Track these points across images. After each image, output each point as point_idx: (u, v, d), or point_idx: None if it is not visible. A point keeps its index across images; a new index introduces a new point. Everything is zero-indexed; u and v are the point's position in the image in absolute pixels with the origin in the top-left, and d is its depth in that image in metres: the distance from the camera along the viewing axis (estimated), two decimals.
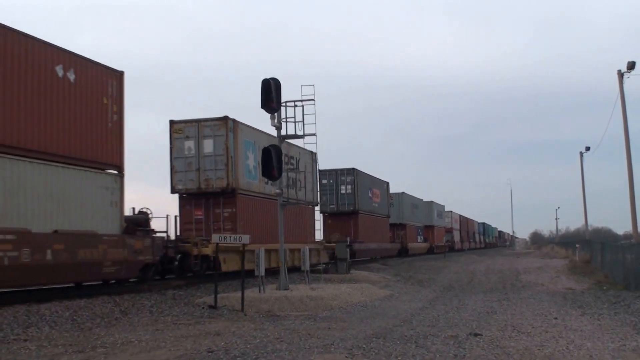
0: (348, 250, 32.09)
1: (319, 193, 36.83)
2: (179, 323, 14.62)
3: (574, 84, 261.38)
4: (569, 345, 11.27)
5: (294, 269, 26.09)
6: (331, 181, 41.48)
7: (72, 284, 18.16)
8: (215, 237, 18.18)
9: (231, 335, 12.63)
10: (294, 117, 20.92)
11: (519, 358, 10.15)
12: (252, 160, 26.97)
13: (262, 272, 19.24)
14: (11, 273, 14.78)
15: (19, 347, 11.15)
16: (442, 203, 77.32)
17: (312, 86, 21.08)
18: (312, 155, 34.12)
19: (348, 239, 31.14)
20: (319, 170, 36.79)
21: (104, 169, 18.98)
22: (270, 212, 27.11)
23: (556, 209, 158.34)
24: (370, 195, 45.13)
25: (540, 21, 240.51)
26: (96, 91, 18.65)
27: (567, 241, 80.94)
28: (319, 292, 19.84)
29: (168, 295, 19.15)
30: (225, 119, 25.48)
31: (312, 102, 20.98)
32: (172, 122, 25.56)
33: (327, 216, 41.29)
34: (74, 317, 14.46)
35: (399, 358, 10.09)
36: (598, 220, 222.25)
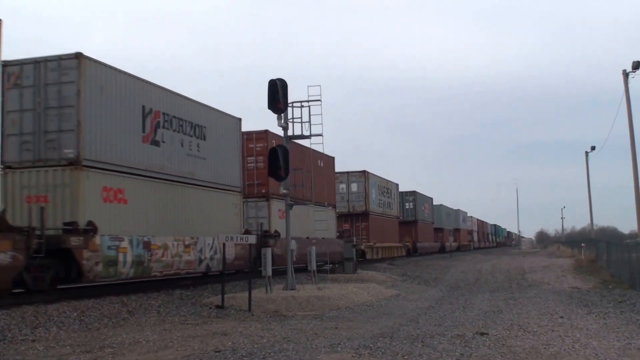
0: (354, 250, 32.18)
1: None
2: (186, 323, 14.67)
3: (581, 85, 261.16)
4: (575, 343, 11.28)
5: (303, 269, 26.34)
6: (399, 200, 56.00)
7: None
8: (221, 237, 18.25)
9: (238, 335, 12.67)
10: (301, 118, 20.99)
11: (525, 357, 10.17)
12: (374, 194, 45.23)
13: (269, 273, 19.30)
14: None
15: (27, 348, 11.20)
16: (447, 201, 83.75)
17: (319, 87, 21.30)
18: (397, 186, 53.67)
19: (354, 239, 33.66)
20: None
21: (329, 207, 34.17)
22: (384, 224, 47.94)
23: (562, 209, 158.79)
24: (423, 208, 62.29)
25: (549, 24, 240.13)
26: (328, 169, 35.33)
27: (573, 240, 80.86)
28: (326, 292, 19.88)
29: (175, 295, 19.17)
30: (364, 172, 44.03)
31: (319, 102, 21.02)
32: None
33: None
34: (82, 318, 14.46)
35: (406, 357, 10.12)
36: (603, 219, 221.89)
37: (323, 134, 21.20)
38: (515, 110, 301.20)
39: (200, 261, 21.46)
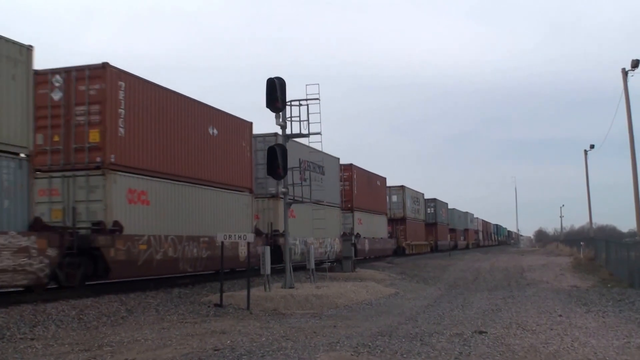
0: (353, 248, 32.19)
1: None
2: (185, 321, 14.66)
3: (579, 83, 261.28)
4: (574, 342, 11.29)
5: (303, 267, 26.43)
6: (424, 206, 66.82)
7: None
8: (219, 236, 18.24)
9: (237, 333, 12.67)
10: (299, 117, 20.96)
11: (523, 355, 10.18)
12: (409, 203, 57.13)
13: (268, 271, 19.29)
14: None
15: (25, 346, 11.19)
16: (446, 199, 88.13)
17: (317, 85, 21.35)
18: (423, 195, 65.54)
19: (353, 238, 33.92)
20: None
21: (382, 214, 47.21)
22: (416, 227, 59.74)
23: (561, 207, 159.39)
24: (441, 212, 74.04)
25: (548, 21, 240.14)
26: (382, 186, 48.91)
27: (572, 239, 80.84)
28: (325, 290, 19.87)
29: (174, 293, 19.16)
30: (402, 186, 56.01)
31: (317, 101, 21.00)
32: None
33: None
34: (81, 316, 14.45)
35: (405, 356, 10.11)
36: (602, 217, 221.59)
37: (322, 133, 21.35)
38: (514, 108, 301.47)
39: (325, 253, 33.46)
